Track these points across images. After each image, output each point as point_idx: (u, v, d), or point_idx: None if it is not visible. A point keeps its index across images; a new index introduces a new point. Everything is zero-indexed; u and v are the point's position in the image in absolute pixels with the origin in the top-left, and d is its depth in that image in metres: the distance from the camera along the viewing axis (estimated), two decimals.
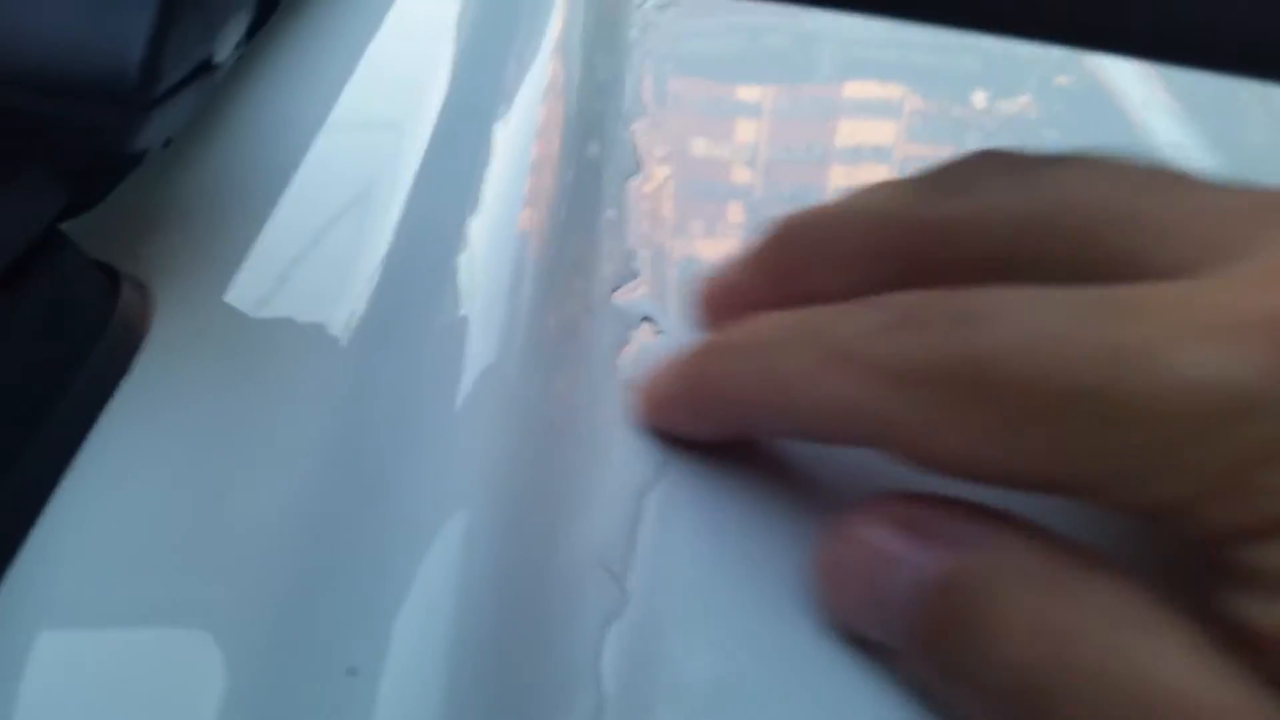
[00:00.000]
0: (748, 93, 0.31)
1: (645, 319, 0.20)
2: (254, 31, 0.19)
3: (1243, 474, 0.11)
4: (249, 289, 0.19)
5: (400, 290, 0.19)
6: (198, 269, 0.19)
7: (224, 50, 0.17)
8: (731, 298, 0.18)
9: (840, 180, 0.27)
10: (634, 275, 0.21)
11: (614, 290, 0.21)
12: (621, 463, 0.18)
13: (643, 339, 0.20)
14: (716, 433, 0.17)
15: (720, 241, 0.24)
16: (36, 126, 0.15)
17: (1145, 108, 0.29)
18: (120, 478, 0.15)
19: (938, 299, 0.13)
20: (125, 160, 0.17)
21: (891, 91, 0.31)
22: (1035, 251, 0.14)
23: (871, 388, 0.13)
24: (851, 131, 0.29)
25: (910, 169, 0.16)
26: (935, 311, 0.13)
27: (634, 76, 0.29)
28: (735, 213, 0.25)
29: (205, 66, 0.17)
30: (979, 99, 0.30)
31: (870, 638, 0.15)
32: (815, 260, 0.16)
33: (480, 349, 0.18)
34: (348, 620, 0.14)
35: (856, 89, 0.31)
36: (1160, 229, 0.13)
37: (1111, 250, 0.13)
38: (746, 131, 0.29)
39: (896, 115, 0.30)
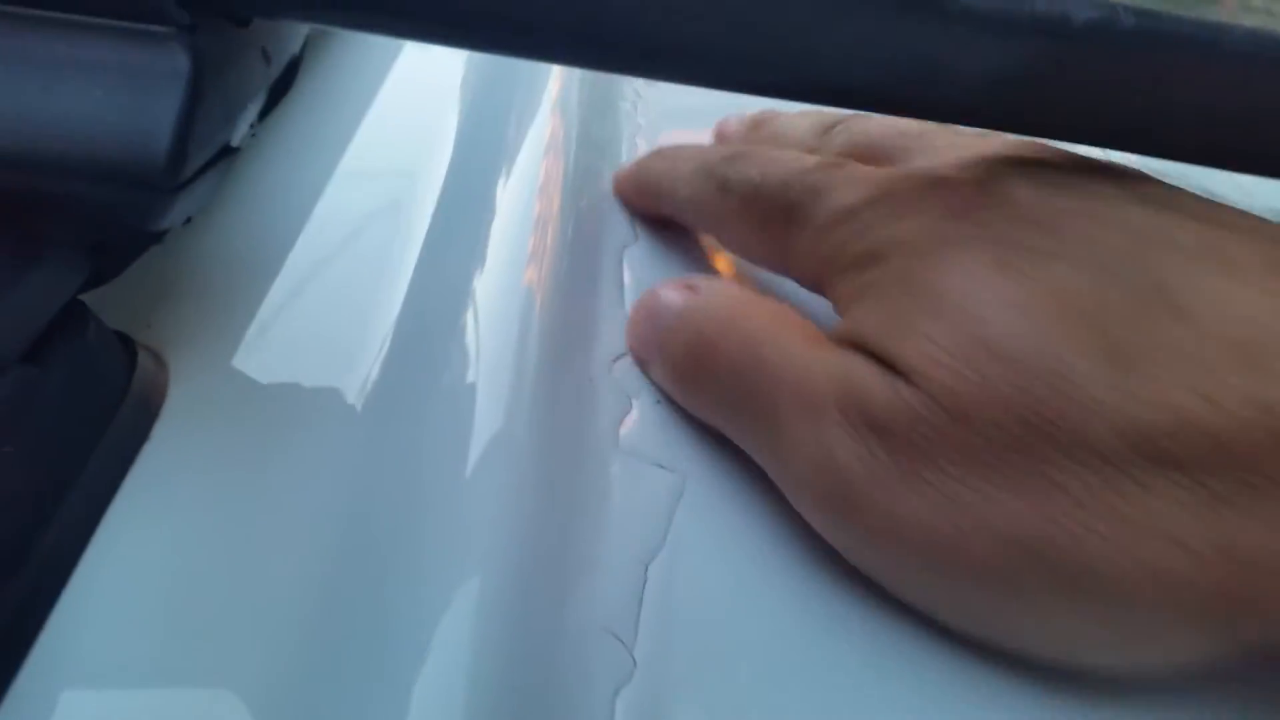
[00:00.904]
0: None
1: (646, 388, 0.21)
2: (265, 114, 0.20)
3: (839, 255, 0.19)
4: (261, 357, 0.19)
5: (411, 357, 0.20)
6: (210, 337, 0.20)
7: (240, 133, 0.18)
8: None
9: None
10: None
11: (615, 360, 0.22)
12: (626, 530, 0.18)
13: (644, 407, 0.21)
14: (648, 210, 0.26)
15: None
16: (66, 207, 0.16)
17: None
18: (143, 544, 0.16)
19: (738, 149, 0.23)
20: (148, 238, 0.18)
21: None
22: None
23: (710, 188, 0.23)
24: None
25: None
26: (739, 152, 0.23)
27: (629, 138, 0.30)
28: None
29: (225, 150, 0.17)
30: None
31: (649, 369, 0.21)
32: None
33: (488, 418, 0.19)
34: (368, 686, 0.15)
35: None
36: (887, 150, 0.22)
37: None
38: None
39: None
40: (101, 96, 0.15)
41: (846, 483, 0.16)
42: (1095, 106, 0.17)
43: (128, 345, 0.19)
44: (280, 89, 0.20)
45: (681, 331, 0.20)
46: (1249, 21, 0.16)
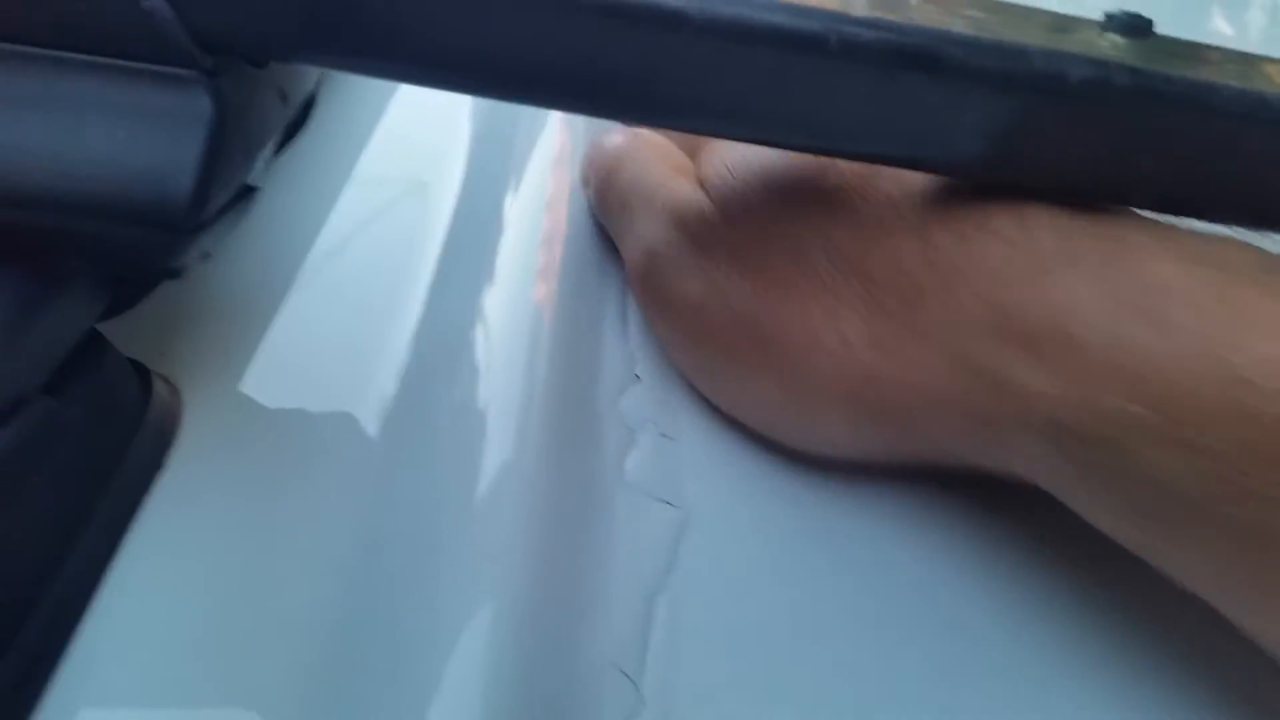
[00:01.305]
0: None
1: (650, 423, 0.21)
2: (279, 149, 0.20)
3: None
4: (273, 385, 0.20)
5: (421, 387, 0.20)
6: (222, 365, 0.20)
7: (258, 171, 0.18)
8: None
9: None
10: (636, 380, 0.22)
11: (620, 394, 0.22)
12: (631, 565, 0.18)
13: (648, 442, 0.21)
14: None
15: None
16: (88, 244, 0.16)
17: None
18: (159, 571, 0.16)
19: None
20: (167, 274, 0.18)
21: None
22: None
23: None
24: None
25: None
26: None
27: None
28: None
29: (244, 190, 0.18)
30: None
31: (586, 191, 0.26)
32: None
33: (497, 450, 0.19)
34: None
35: None
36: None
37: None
38: None
39: None
40: (125, 138, 0.15)
41: (655, 264, 0.22)
42: (1089, 163, 0.17)
43: (143, 374, 0.19)
44: (296, 125, 0.20)
45: (606, 161, 0.25)
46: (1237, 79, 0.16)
